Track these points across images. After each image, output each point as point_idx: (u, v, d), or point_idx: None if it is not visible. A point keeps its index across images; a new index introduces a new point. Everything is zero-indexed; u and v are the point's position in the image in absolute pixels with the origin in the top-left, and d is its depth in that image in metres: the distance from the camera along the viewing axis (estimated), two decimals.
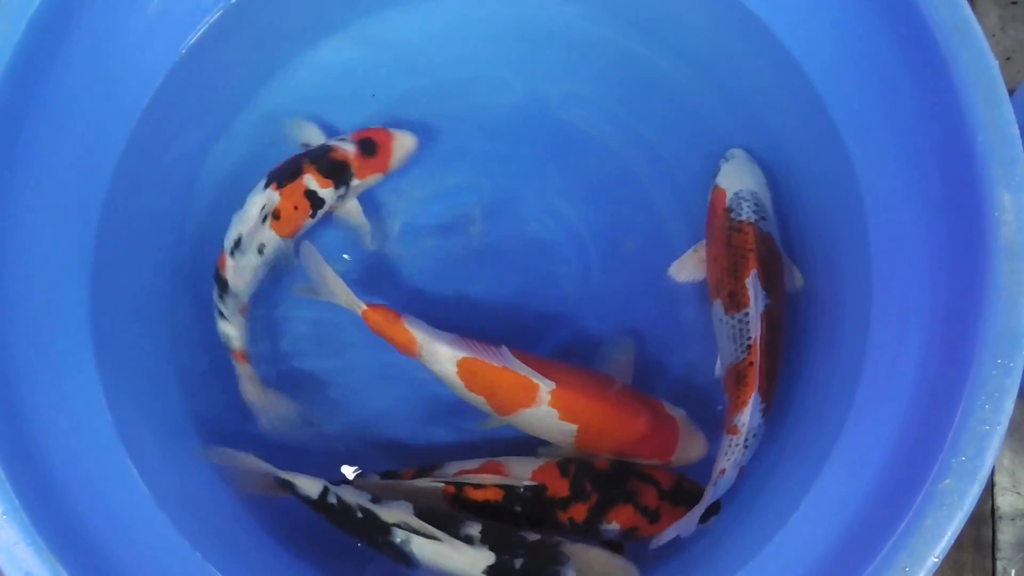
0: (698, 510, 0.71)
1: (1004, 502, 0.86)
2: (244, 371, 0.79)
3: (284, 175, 0.80)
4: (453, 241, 0.86)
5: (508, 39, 0.88)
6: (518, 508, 0.73)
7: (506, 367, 0.72)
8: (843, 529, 0.62)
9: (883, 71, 0.70)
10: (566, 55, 0.88)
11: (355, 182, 0.82)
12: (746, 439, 0.72)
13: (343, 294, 0.75)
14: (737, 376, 0.74)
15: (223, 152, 0.85)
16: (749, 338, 0.73)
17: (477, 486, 0.73)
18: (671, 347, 0.83)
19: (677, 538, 0.71)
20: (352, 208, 0.84)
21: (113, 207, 0.74)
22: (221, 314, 0.79)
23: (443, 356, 0.74)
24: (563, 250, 0.86)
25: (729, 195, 0.79)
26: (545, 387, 0.72)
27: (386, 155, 0.82)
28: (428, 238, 0.86)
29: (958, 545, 0.58)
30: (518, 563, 0.67)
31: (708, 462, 0.75)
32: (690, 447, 0.76)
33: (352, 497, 0.70)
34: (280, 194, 0.79)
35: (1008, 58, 0.96)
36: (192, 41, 0.78)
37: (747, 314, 0.74)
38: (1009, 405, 0.58)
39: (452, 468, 0.75)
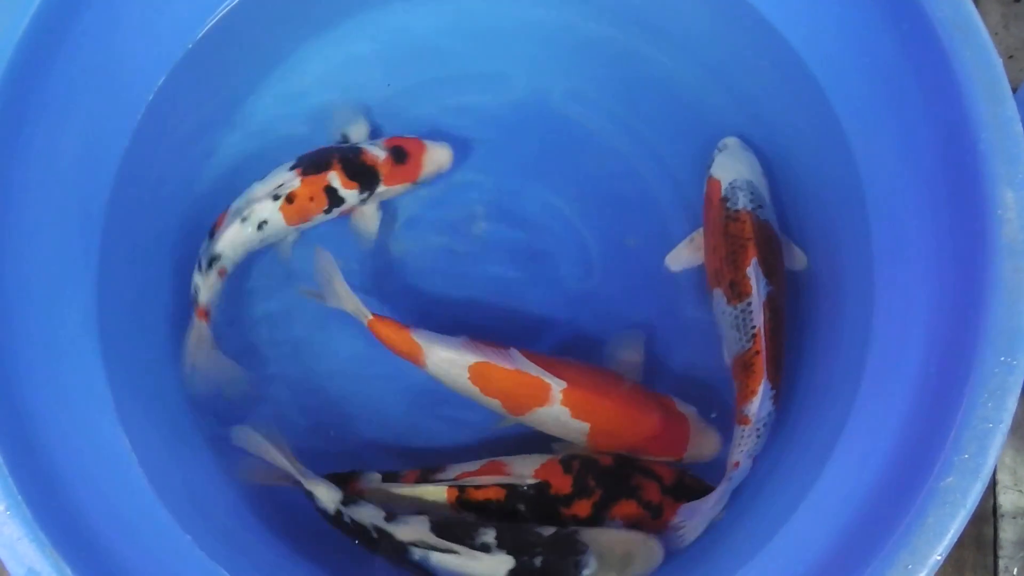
0: (717, 505, 0.71)
1: (1006, 500, 0.86)
2: (199, 327, 0.77)
3: (311, 164, 0.80)
4: (454, 238, 0.86)
5: (511, 35, 0.88)
6: (521, 507, 0.73)
7: (518, 368, 0.73)
8: (845, 527, 0.62)
9: (886, 68, 0.70)
10: (568, 52, 0.88)
11: (381, 188, 0.81)
12: (758, 428, 0.72)
13: (352, 304, 0.75)
14: (744, 366, 0.74)
15: (228, 146, 0.85)
16: (754, 327, 0.73)
17: (479, 487, 0.73)
18: (673, 344, 0.83)
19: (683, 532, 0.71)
20: (369, 214, 0.83)
21: (118, 202, 0.74)
22: (199, 266, 0.78)
23: (455, 363, 0.74)
24: (564, 247, 0.86)
25: (724, 185, 0.79)
26: (557, 386, 0.73)
27: (416, 166, 0.82)
28: (429, 235, 0.86)
29: (960, 543, 0.57)
30: (538, 561, 0.67)
31: (720, 455, 0.75)
32: (702, 444, 0.76)
33: (367, 517, 0.70)
34: (301, 181, 0.79)
35: (1011, 56, 0.96)
36: (198, 35, 0.78)
37: (750, 303, 0.74)
38: (1012, 403, 0.58)
39: (454, 471, 0.75)
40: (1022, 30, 0.96)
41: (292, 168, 0.80)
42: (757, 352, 0.73)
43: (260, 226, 0.79)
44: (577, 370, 0.75)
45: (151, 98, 0.77)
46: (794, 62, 0.77)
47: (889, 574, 0.57)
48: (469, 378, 0.74)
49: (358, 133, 0.84)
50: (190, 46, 0.78)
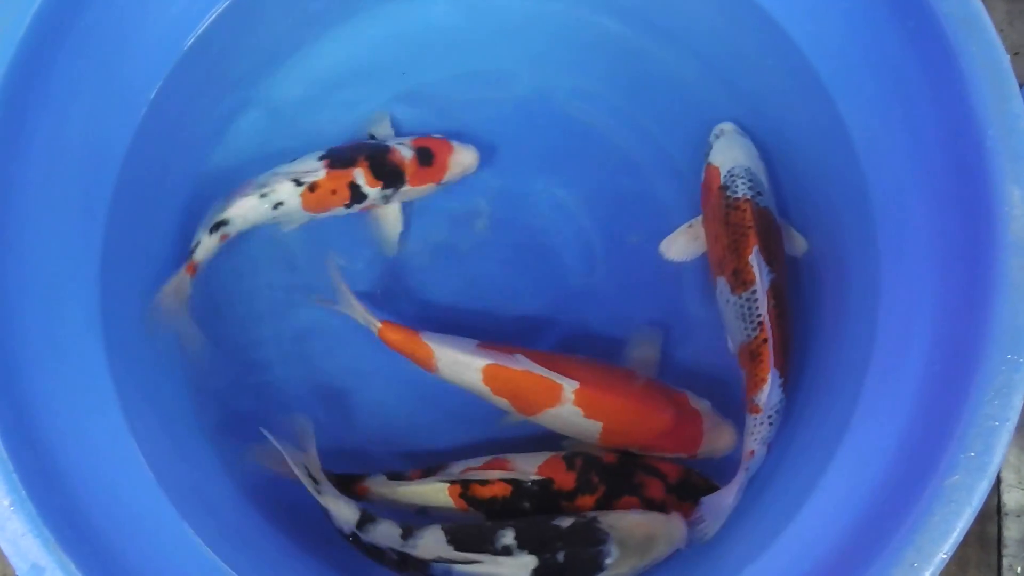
0: (736, 496, 0.71)
1: (1010, 499, 0.86)
2: (183, 278, 0.77)
3: (338, 158, 0.80)
4: (458, 234, 0.86)
5: (517, 32, 0.87)
6: (525, 503, 0.73)
7: (529, 369, 0.73)
8: (850, 525, 0.62)
9: (892, 65, 0.69)
10: (573, 49, 0.87)
11: (405, 187, 0.82)
12: (770, 416, 0.72)
13: (359, 313, 0.76)
14: (752, 354, 0.74)
15: (232, 142, 0.85)
16: (759, 315, 0.74)
17: (483, 483, 0.73)
18: (677, 341, 0.83)
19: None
20: (391, 213, 0.83)
21: (121, 197, 0.74)
22: (207, 225, 0.78)
23: (467, 366, 0.74)
24: (568, 244, 0.86)
25: (723, 173, 0.79)
26: (568, 387, 0.73)
27: (442, 167, 0.82)
28: (434, 231, 0.86)
29: (964, 541, 0.57)
30: (560, 556, 0.67)
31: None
32: (717, 439, 0.76)
33: (383, 539, 0.69)
34: (327, 173, 0.79)
35: (1016, 53, 0.95)
36: (200, 31, 0.77)
37: (754, 292, 0.74)
38: (1018, 401, 0.57)
39: (458, 467, 0.75)
40: None
41: (320, 158, 0.80)
42: (764, 340, 0.73)
43: (276, 206, 0.79)
44: (589, 369, 0.75)
45: (153, 95, 0.77)
46: (799, 60, 0.76)
47: (894, 572, 0.57)
48: (481, 380, 0.74)
49: (383, 131, 0.85)
50: (192, 41, 0.78)
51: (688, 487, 0.75)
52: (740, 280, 0.75)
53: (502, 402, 0.76)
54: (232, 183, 0.81)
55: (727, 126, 0.83)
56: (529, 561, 0.67)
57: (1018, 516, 0.86)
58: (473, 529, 0.70)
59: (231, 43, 0.81)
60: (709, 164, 0.81)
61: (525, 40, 0.88)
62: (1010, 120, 0.61)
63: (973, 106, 0.62)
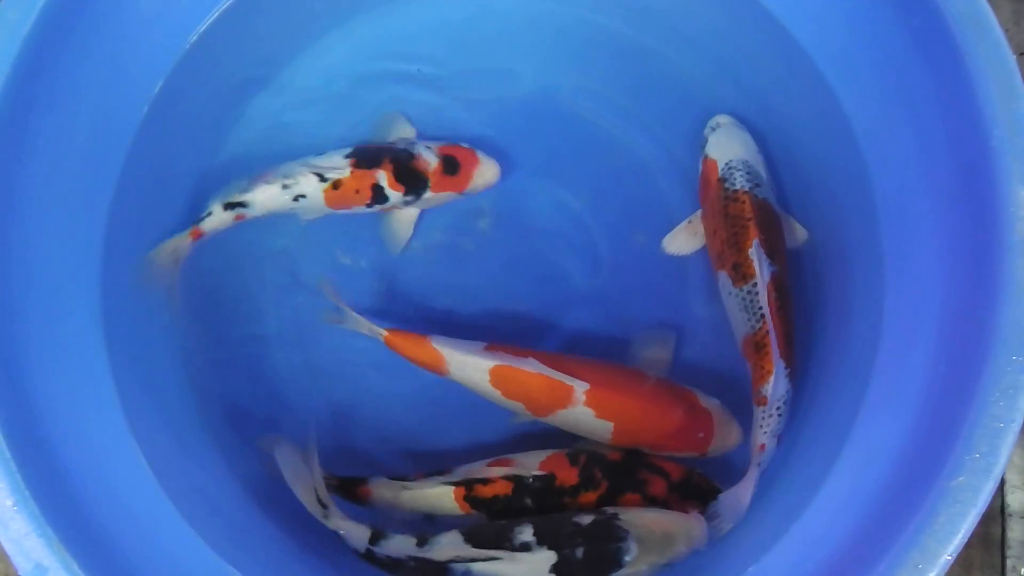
0: (750, 490, 0.71)
1: (1014, 500, 0.86)
2: (185, 241, 0.77)
3: (364, 159, 0.80)
4: (461, 234, 0.86)
5: (520, 30, 0.87)
6: (528, 500, 0.73)
7: (539, 371, 0.73)
8: (855, 526, 0.62)
9: (897, 65, 0.69)
10: (577, 47, 0.87)
11: (427, 195, 0.82)
12: (778, 407, 0.72)
13: (363, 326, 0.76)
14: (756, 347, 0.74)
15: (235, 140, 0.85)
16: (761, 308, 0.73)
17: (486, 482, 0.73)
18: (682, 339, 0.82)
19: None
20: (407, 217, 0.83)
21: (124, 196, 0.74)
22: (224, 200, 0.78)
23: (475, 368, 0.74)
24: (572, 243, 0.85)
25: (721, 165, 0.79)
26: (579, 388, 0.73)
27: (466, 178, 0.82)
28: (437, 230, 0.86)
29: (967, 542, 0.57)
30: (579, 552, 0.67)
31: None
32: (726, 437, 0.77)
33: (399, 548, 0.69)
34: (351, 172, 0.80)
35: (1022, 53, 0.95)
36: (203, 28, 0.77)
37: (755, 284, 0.74)
38: (1023, 403, 0.57)
39: (461, 472, 0.75)
40: None
41: (347, 156, 0.80)
42: (768, 332, 0.73)
43: (297, 198, 0.79)
44: (599, 369, 0.75)
45: (156, 92, 0.76)
46: (803, 58, 0.76)
47: (899, 574, 0.56)
48: (491, 382, 0.75)
49: (403, 133, 0.85)
50: (195, 38, 0.78)
51: (690, 487, 0.75)
52: (741, 273, 0.75)
53: (513, 404, 0.76)
54: (240, 175, 0.81)
55: (723, 118, 0.83)
56: (548, 556, 0.67)
57: (1022, 517, 0.86)
58: (490, 527, 0.70)
59: (234, 41, 0.81)
60: (706, 157, 0.81)
61: (529, 39, 0.87)
62: (1017, 120, 0.61)
63: (979, 106, 0.62)
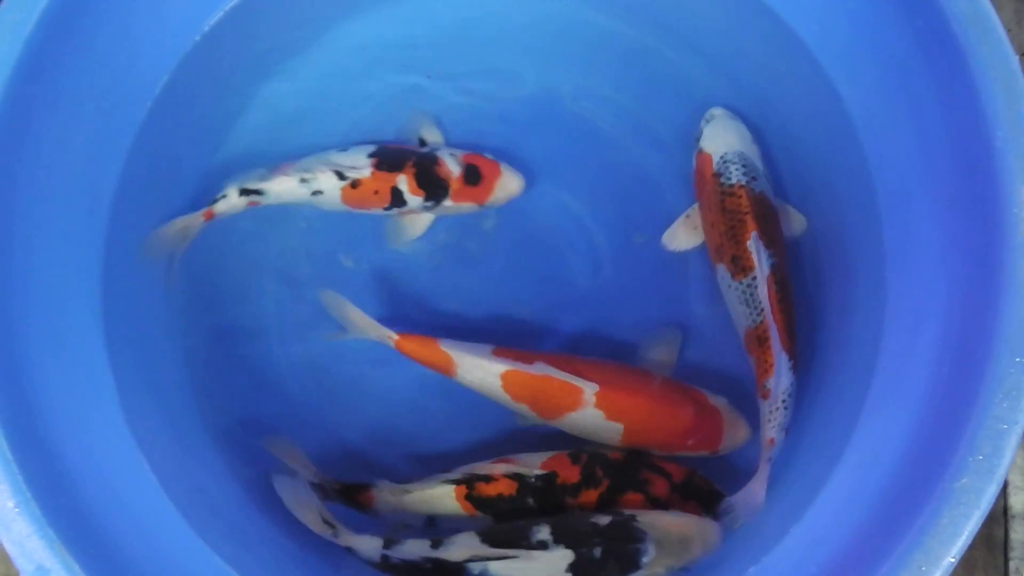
0: (764, 485, 0.71)
1: (1017, 501, 0.86)
2: (197, 221, 0.77)
3: (386, 161, 0.80)
4: (465, 234, 0.86)
5: (522, 31, 0.87)
6: (530, 500, 0.73)
7: (548, 374, 0.73)
8: (858, 527, 0.61)
9: (900, 65, 0.69)
10: (579, 48, 0.87)
11: (447, 203, 0.81)
12: (783, 400, 0.72)
13: (372, 329, 0.76)
14: (758, 340, 0.74)
15: (237, 139, 0.85)
16: (761, 300, 0.74)
17: (488, 481, 0.73)
18: (685, 339, 0.82)
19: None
20: (422, 220, 0.83)
21: (125, 195, 0.74)
22: (241, 184, 0.78)
23: (486, 372, 0.75)
24: (574, 243, 0.86)
25: (716, 159, 0.79)
26: (589, 390, 0.73)
27: (487, 190, 0.81)
28: (439, 232, 0.86)
29: (970, 544, 0.57)
30: (597, 552, 0.67)
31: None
32: (736, 434, 0.77)
33: (415, 551, 0.69)
34: (372, 174, 0.79)
35: None
36: (207, 29, 0.77)
37: (755, 277, 0.74)
38: None
39: (462, 470, 0.75)
40: None
41: (370, 155, 0.80)
42: (768, 325, 0.73)
43: (314, 193, 0.79)
44: (607, 370, 0.76)
45: (159, 91, 0.76)
46: (807, 59, 0.76)
47: (902, 575, 0.56)
48: (501, 386, 0.75)
49: (432, 136, 0.84)
50: (198, 38, 0.78)
51: (691, 488, 0.75)
52: (740, 266, 0.75)
53: (522, 408, 0.76)
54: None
55: (717, 111, 0.82)
56: (566, 555, 0.67)
57: None
58: (506, 527, 0.70)
59: (238, 40, 0.81)
60: (701, 151, 0.81)
61: (531, 39, 0.87)
62: (1019, 120, 0.61)
63: (981, 106, 0.62)
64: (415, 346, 0.76)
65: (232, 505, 0.73)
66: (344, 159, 0.80)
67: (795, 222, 0.81)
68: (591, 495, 0.73)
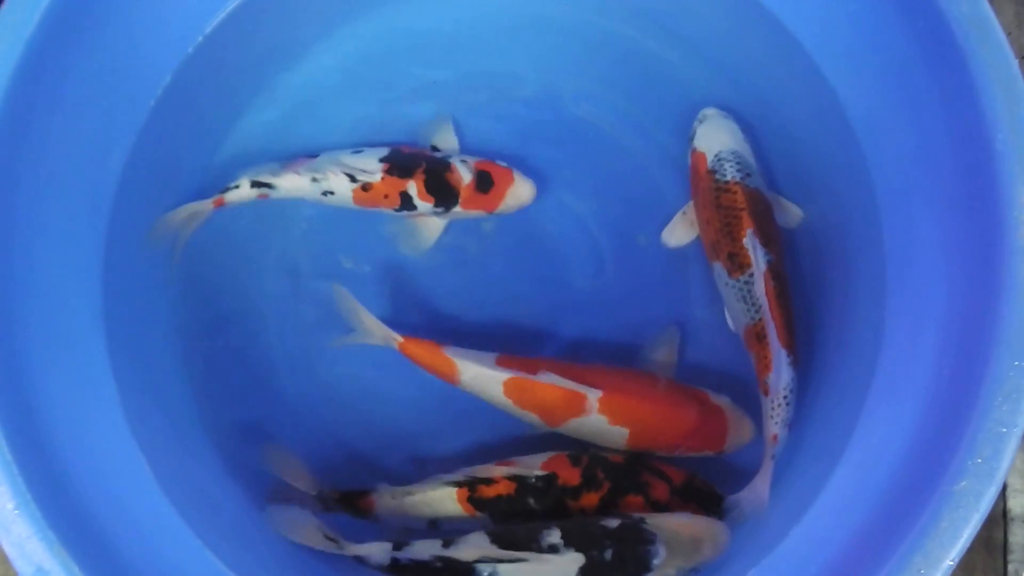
0: (768, 482, 0.71)
1: (1016, 504, 0.86)
2: (206, 208, 0.78)
3: (397, 165, 0.80)
4: (466, 236, 0.86)
5: (524, 33, 0.87)
6: (531, 501, 0.73)
7: (551, 382, 0.74)
8: (857, 530, 0.61)
9: (900, 67, 0.69)
10: (581, 50, 0.87)
11: (456, 209, 0.81)
12: (784, 396, 0.73)
13: (378, 331, 0.76)
14: (757, 337, 0.74)
15: (238, 137, 0.85)
16: (758, 297, 0.74)
17: (488, 482, 0.73)
18: (687, 339, 0.83)
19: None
20: (434, 225, 0.83)
21: (126, 196, 0.74)
22: (254, 177, 0.79)
23: (489, 379, 0.75)
24: (576, 245, 0.86)
25: (710, 157, 0.79)
26: (592, 396, 0.73)
27: (497, 197, 0.81)
28: (441, 234, 0.85)
29: (969, 546, 0.57)
30: (608, 555, 0.67)
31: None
32: (740, 432, 0.77)
33: (425, 550, 0.69)
34: (382, 178, 0.79)
35: None
36: (209, 29, 0.77)
37: (752, 275, 0.74)
38: None
39: (463, 472, 0.75)
40: None
41: (382, 160, 0.80)
42: (767, 322, 0.74)
43: (325, 193, 0.79)
44: (610, 375, 0.76)
45: (161, 92, 0.76)
46: (806, 62, 0.76)
47: None
48: (504, 393, 0.75)
49: (447, 142, 0.84)
50: (200, 38, 0.78)
51: (692, 491, 0.75)
52: (737, 264, 0.75)
53: (527, 415, 0.76)
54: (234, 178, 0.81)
55: (710, 110, 0.83)
56: (576, 558, 0.67)
57: None
58: (517, 529, 0.70)
59: (240, 40, 0.81)
60: (695, 149, 0.81)
61: (532, 41, 0.87)
62: (1019, 123, 0.61)
63: (982, 109, 0.62)
64: (419, 350, 0.76)
65: (232, 505, 0.73)
66: (356, 161, 0.80)
67: (790, 213, 0.81)
68: (592, 498, 0.73)
